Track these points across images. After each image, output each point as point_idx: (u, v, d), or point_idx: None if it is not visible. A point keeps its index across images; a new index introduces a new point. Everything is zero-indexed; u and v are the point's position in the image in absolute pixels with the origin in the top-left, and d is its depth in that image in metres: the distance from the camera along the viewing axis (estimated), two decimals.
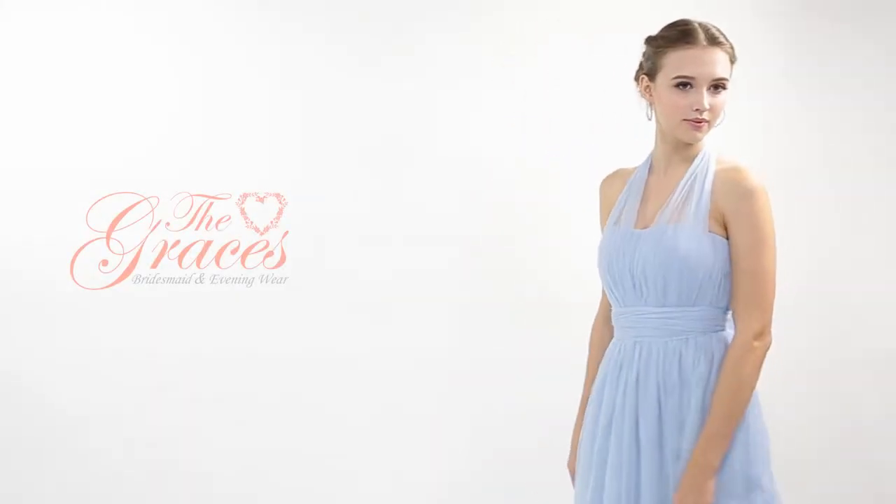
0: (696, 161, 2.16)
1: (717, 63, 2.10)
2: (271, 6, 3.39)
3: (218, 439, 3.32)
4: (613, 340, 2.26)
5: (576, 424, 2.38)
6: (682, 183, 2.15)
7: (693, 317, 2.13)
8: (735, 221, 2.10)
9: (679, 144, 2.17)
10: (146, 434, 3.27)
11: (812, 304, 3.82)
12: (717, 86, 2.12)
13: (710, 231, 2.10)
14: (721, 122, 2.16)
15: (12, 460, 3.18)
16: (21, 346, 3.19)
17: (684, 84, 2.10)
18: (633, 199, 2.24)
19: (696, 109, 2.10)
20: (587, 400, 2.30)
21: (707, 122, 2.12)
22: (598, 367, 2.30)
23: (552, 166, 3.58)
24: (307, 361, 3.38)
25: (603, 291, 2.33)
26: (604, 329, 2.35)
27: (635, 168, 2.30)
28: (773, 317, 3.97)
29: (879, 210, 3.88)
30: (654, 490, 2.08)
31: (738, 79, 3.74)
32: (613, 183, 2.33)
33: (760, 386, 4.03)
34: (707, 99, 2.10)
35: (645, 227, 2.17)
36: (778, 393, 3.81)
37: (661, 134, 2.20)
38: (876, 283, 3.87)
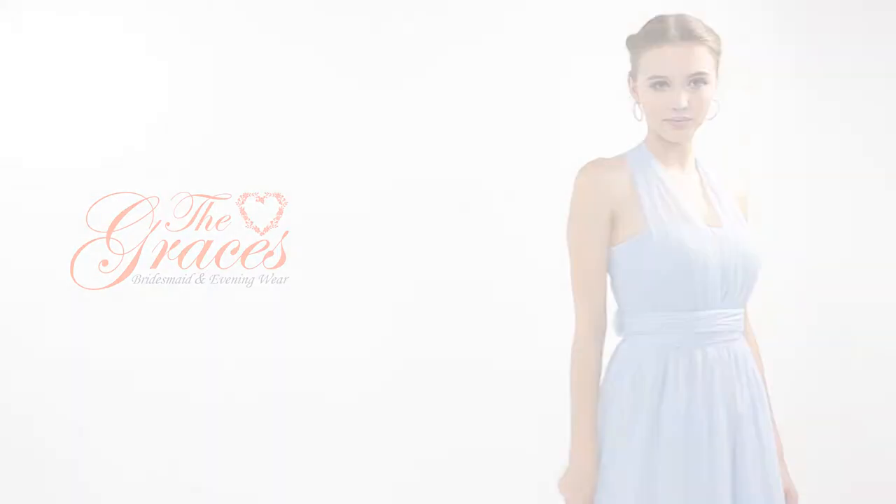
0: (698, 161, 2.18)
1: (693, 58, 2.00)
2: (271, 7, 3.39)
3: (217, 439, 3.32)
4: (660, 349, 2.05)
5: (580, 445, 2.07)
6: (707, 182, 2.15)
7: (741, 317, 2.15)
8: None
9: (668, 141, 2.11)
10: (146, 434, 3.27)
11: (814, 306, 3.81)
12: (698, 80, 2.02)
13: None
14: (714, 117, 2.09)
15: (10, 461, 3.17)
16: (21, 346, 3.18)
17: (660, 84, 2.02)
18: (677, 194, 2.08)
19: (674, 109, 2.02)
20: (593, 421, 2.07)
21: (690, 119, 2.04)
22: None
23: (563, 174, 3.54)
24: (307, 362, 3.37)
25: (595, 305, 2.08)
26: (600, 349, 2.10)
27: (623, 158, 2.12)
28: (774, 317, 3.97)
29: (883, 211, 3.87)
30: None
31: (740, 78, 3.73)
32: (614, 174, 2.08)
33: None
34: (685, 96, 2.01)
35: (717, 226, 2.08)
36: (780, 394, 3.81)
37: (652, 132, 2.13)
38: (879, 284, 3.86)
